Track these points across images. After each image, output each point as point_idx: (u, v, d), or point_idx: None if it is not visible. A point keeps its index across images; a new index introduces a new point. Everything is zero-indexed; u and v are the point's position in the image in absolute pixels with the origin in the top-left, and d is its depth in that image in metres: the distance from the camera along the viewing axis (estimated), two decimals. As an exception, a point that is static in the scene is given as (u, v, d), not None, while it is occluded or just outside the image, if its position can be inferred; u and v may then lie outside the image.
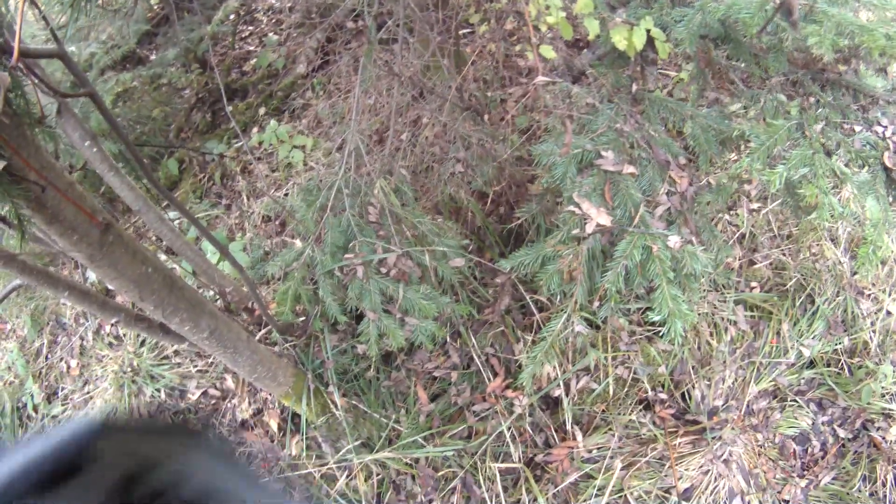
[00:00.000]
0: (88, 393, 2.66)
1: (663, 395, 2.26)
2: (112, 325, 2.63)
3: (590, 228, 1.84)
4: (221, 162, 2.86)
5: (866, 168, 1.99)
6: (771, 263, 2.45)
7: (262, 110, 2.95)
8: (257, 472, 2.07)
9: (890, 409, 2.45)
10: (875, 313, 2.51)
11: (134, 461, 0.46)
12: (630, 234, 1.81)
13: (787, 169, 1.82)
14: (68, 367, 2.76)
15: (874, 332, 2.48)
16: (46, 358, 2.82)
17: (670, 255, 1.81)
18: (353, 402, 2.22)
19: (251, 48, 3.48)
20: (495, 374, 2.24)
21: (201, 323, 1.87)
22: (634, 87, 2.07)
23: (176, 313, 1.79)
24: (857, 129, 2.05)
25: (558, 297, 1.98)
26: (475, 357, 2.22)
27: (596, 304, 1.94)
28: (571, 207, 1.88)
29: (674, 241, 1.82)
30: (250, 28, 3.63)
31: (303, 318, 2.24)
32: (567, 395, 2.18)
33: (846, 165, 1.96)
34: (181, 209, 1.78)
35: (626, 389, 2.24)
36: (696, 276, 1.84)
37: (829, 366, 2.45)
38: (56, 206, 1.30)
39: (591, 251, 1.87)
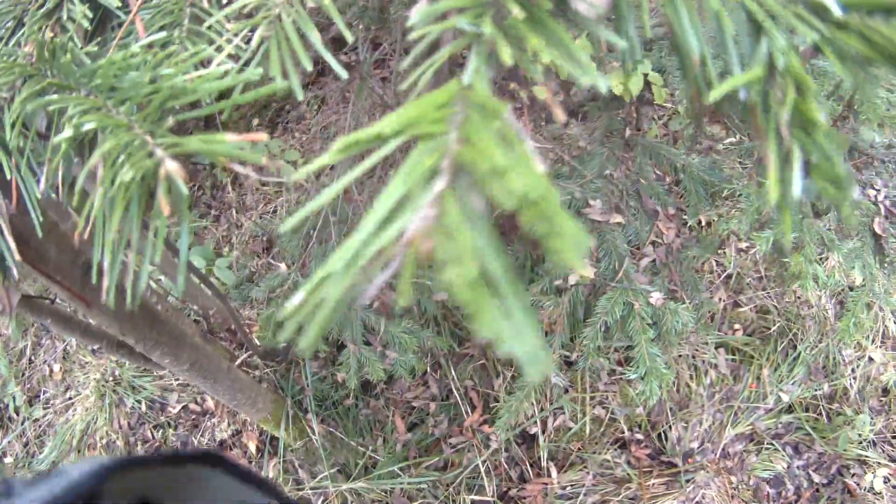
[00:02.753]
0: (70, 399, 2.67)
1: (639, 436, 2.27)
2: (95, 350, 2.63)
3: (572, 280, 1.84)
4: (212, 172, 2.85)
5: (855, 234, 1.96)
6: (755, 306, 2.45)
7: (255, 121, 2.93)
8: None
9: (866, 457, 2.46)
10: (857, 360, 2.51)
11: (143, 492, 0.47)
12: (612, 289, 1.81)
13: (775, 234, 1.81)
14: (51, 371, 2.76)
15: (854, 378, 2.49)
16: (30, 360, 2.83)
17: (652, 311, 1.81)
18: (331, 428, 2.23)
19: (248, 51, 3.41)
20: (473, 408, 2.25)
21: (182, 356, 1.87)
22: (628, 132, 2.05)
23: (157, 347, 1.79)
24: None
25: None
26: (454, 389, 2.23)
27: (575, 354, 1.95)
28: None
29: (656, 297, 1.81)
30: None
31: (284, 344, 2.24)
32: (543, 432, 2.20)
33: (835, 228, 1.94)
34: (173, 249, 1.77)
35: (602, 429, 2.25)
36: (678, 332, 1.84)
37: (807, 411, 2.46)
38: (40, 246, 1.29)
39: (573, 302, 1.87)
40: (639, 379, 1.76)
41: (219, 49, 0.75)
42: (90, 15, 0.82)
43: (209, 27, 0.81)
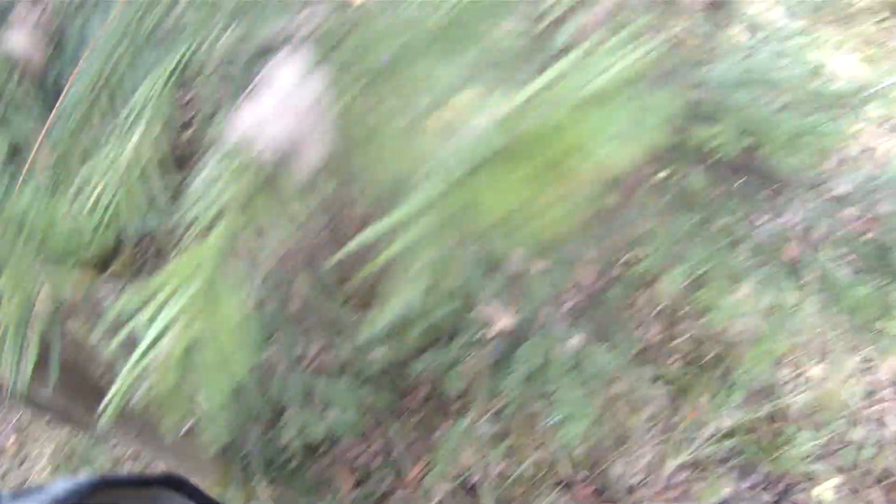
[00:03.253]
0: (25, 472, 2.68)
1: (582, 475, 2.31)
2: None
3: (492, 332, 1.89)
4: (155, 237, 2.88)
5: (768, 261, 2.00)
6: (690, 336, 2.51)
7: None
8: None
9: (813, 471, 2.50)
10: (795, 378, 2.57)
11: None
12: (532, 337, 1.86)
13: (687, 270, 1.85)
14: (6, 445, 2.78)
15: (794, 396, 2.54)
16: (-16, 435, 2.84)
17: (571, 354, 1.86)
18: (280, 490, 2.26)
19: (191, 114, 3.46)
20: (417, 461, 2.28)
21: (129, 425, 1.91)
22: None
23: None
24: (764, 218, 2.06)
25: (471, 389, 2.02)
26: (396, 444, 2.27)
27: (502, 402, 1.99)
28: (475, 311, 1.92)
29: (575, 341, 1.86)
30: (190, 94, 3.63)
31: (229, 409, 2.27)
32: (486, 479, 2.23)
33: (750, 258, 1.98)
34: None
35: (544, 472, 2.29)
36: (599, 373, 1.89)
37: (749, 433, 2.51)
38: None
39: (496, 352, 1.91)
40: (561, 422, 1.80)
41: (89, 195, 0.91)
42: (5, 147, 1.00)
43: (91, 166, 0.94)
